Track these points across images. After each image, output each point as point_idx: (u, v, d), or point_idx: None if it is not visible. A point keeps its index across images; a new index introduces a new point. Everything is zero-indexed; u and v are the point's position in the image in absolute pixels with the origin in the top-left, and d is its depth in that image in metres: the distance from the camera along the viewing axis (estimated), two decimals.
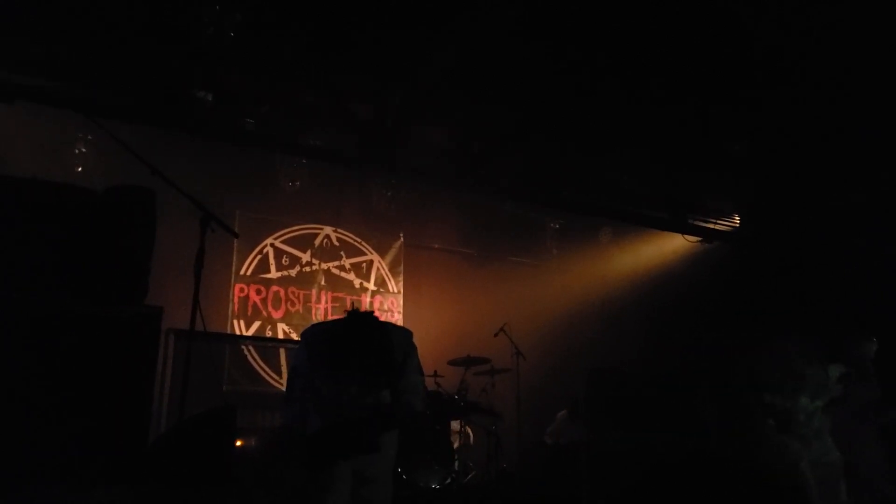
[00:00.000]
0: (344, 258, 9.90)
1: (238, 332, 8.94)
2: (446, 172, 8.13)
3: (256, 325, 9.22)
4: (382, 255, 10.08)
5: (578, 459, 6.80)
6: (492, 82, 6.89)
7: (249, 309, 9.23)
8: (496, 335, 8.29)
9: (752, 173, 8.38)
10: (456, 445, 7.63)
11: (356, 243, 10.01)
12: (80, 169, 7.56)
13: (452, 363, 7.98)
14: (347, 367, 4.24)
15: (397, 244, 10.10)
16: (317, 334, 4.42)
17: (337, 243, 9.90)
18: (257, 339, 8.82)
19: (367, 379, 4.27)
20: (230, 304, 9.05)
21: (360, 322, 4.28)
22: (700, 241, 9.55)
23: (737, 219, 9.49)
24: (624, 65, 6.59)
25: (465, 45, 6.36)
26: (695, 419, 7.19)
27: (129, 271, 3.17)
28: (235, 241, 8.80)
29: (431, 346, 7.55)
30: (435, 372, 7.60)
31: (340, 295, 9.65)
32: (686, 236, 9.49)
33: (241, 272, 9.21)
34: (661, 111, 7.33)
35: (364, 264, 10.00)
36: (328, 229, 9.87)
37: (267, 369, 8.68)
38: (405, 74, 6.88)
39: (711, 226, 9.43)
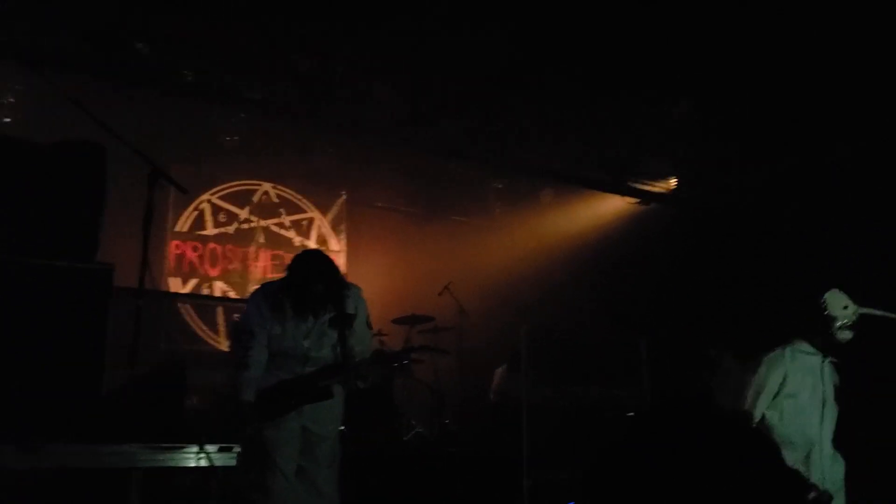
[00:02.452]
0: (283, 215, 9.75)
1: (174, 290, 8.76)
2: (392, 130, 8.03)
3: (193, 282, 9.05)
4: (324, 212, 9.95)
5: (519, 415, 6.91)
6: (439, 40, 6.79)
7: (185, 266, 9.05)
8: (440, 294, 8.31)
9: (690, 136, 8.51)
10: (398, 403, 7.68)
11: (296, 200, 9.86)
12: (7, 119, 7.22)
13: (396, 322, 7.98)
14: (303, 312, 4.22)
15: (339, 202, 9.98)
16: (269, 290, 4.37)
17: (276, 200, 9.74)
18: (197, 298, 8.66)
19: (320, 331, 4.25)
20: (165, 262, 8.85)
21: (316, 258, 4.27)
22: (638, 203, 9.70)
23: (673, 181, 9.65)
24: (566, 27, 6.58)
25: None
26: (631, 375, 7.40)
27: (81, 226, 3.04)
28: (171, 196, 8.59)
29: (375, 305, 7.38)
30: (379, 331, 7.57)
31: (279, 253, 9.52)
32: (625, 197, 9.62)
33: (177, 228, 9.00)
34: (603, 72, 7.36)
35: (304, 222, 9.87)
36: (267, 185, 9.69)
37: (205, 328, 8.54)
38: (352, 27, 6.71)
39: (649, 188, 9.57)
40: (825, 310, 3.73)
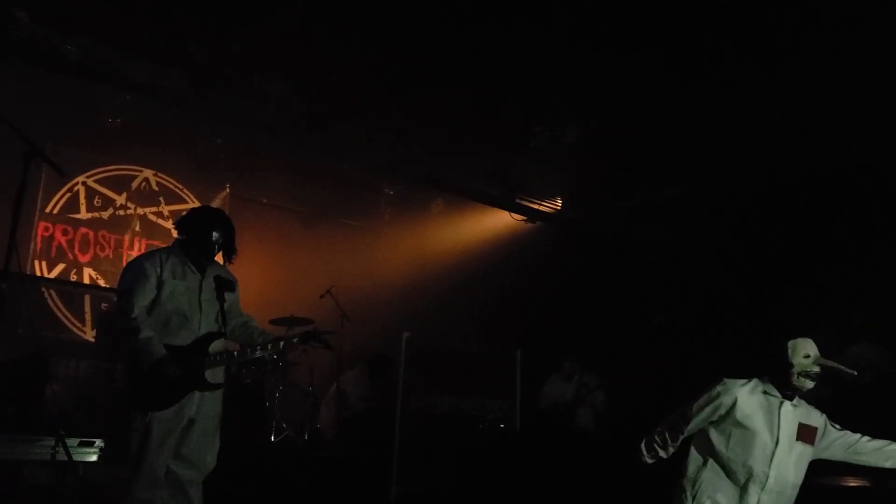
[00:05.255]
0: (163, 204, 9.42)
1: (39, 274, 8.31)
2: (285, 128, 7.90)
3: (60, 267, 8.61)
4: (205, 204, 9.65)
5: (392, 421, 6.93)
6: (341, 42, 6.75)
7: (53, 250, 8.60)
8: (322, 297, 8.21)
9: (578, 159, 8.79)
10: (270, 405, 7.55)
11: (177, 189, 9.54)
12: None
13: (274, 322, 7.82)
14: (200, 261, 4.26)
15: (223, 195, 9.70)
16: (153, 252, 4.38)
17: (156, 188, 9.39)
18: (64, 284, 8.24)
19: (208, 293, 4.23)
20: (32, 243, 8.38)
21: (213, 209, 4.36)
22: (525, 220, 9.93)
23: (559, 201, 9.96)
24: (467, 44, 6.68)
25: None
26: (505, 386, 7.57)
27: None
28: (43, 175, 8.15)
29: (253, 304, 7.27)
30: None
31: (156, 243, 9.16)
32: (512, 214, 9.83)
33: (47, 210, 8.54)
34: (499, 91, 7.52)
35: (184, 213, 9.54)
36: (148, 172, 9.33)
37: (69, 315, 8.12)
38: (251, 19, 6.56)
39: (536, 206, 9.82)
40: (786, 356, 3.77)
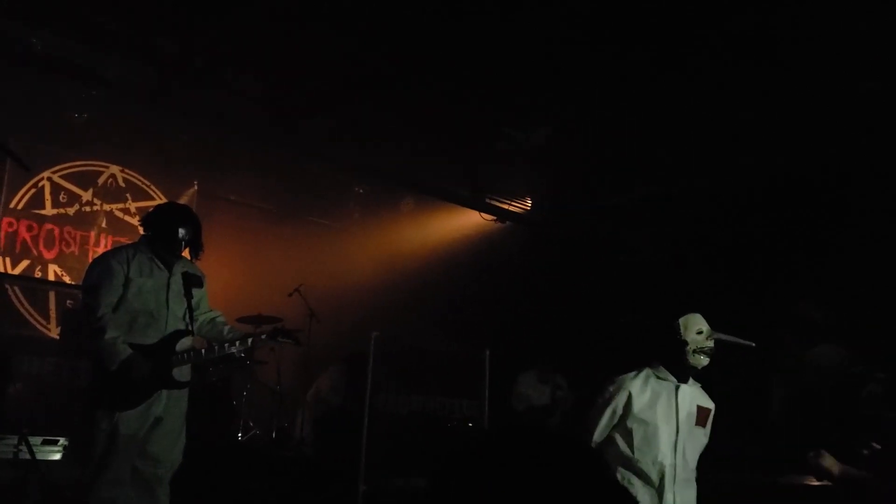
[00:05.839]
0: (129, 201, 9.31)
1: (3, 270, 8.20)
2: (254, 125, 7.86)
3: (25, 264, 8.49)
4: (173, 201, 9.56)
5: (360, 420, 6.94)
6: (311, 40, 6.73)
7: (18, 246, 8.47)
8: (290, 295, 8.19)
9: (548, 160, 8.86)
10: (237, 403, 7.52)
11: (145, 186, 9.44)
12: None
13: (241, 320, 7.77)
14: (167, 258, 4.26)
15: (190, 192, 9.60)
16: (119, 249, 4.37)
17: (123, 184, 9.28)
18: (28, 280, 8.14)
19: (175, 291, 4.22)
20: None
21: (179, 206, 4.37)
22: (494, 220, 9.98)
23: (529, 202, 10.02)
24: (438, 48, 6.71)
25: None
26: (474, 385, 7.61)
27: None
28: (7, 169, 8.05)
29: (220, 302, 7.25)
30: None
31: (122, 239, 9.05)
32: (482, 214, 9.87)
33: (12, 205, 8.41)
34: (469, 90, 7.55)
35: (151, 209, 9.45)
36: (115, 168, 9.22)
37: (34, 312, 8.02)
38: (220, 14, 6.51)
39: (506, 206, 9.88)
40: (678, 334, 3.68)
